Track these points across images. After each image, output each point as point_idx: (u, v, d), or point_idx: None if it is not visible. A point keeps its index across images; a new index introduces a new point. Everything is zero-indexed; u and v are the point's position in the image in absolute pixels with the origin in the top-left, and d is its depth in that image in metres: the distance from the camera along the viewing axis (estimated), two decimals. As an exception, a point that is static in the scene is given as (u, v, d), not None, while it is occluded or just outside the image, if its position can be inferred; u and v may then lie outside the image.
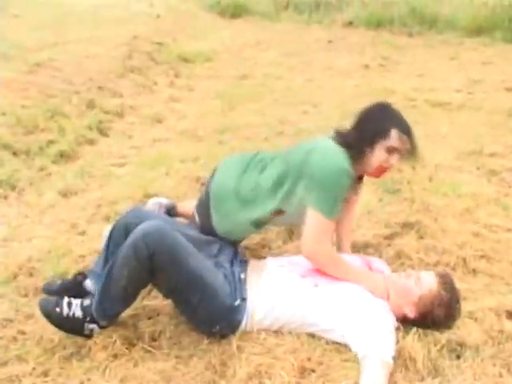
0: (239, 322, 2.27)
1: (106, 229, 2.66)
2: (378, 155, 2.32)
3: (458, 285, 2.51)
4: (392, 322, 2.20)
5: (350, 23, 10.82)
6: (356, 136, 2.35)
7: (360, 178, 2.54)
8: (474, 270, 2.71)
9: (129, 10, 10.60)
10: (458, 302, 2.27)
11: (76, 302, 2.25)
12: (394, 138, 2.30)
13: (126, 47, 7.66)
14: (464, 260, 2.76)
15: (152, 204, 3.13)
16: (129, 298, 2.25)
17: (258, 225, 2.54)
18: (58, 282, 2.49)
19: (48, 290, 2.46)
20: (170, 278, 2.17)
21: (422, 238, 3.03)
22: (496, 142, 4.47)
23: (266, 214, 2.46)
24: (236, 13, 11.92)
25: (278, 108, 5.83)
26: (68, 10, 10.40)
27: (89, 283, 2.45)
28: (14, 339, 2.26)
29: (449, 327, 2.26)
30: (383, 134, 2.30)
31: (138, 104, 5.90)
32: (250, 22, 11.57)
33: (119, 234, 2.43)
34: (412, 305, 2.25)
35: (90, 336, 2.23)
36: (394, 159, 2.35)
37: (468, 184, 3.67)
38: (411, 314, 2.25)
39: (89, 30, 8.59)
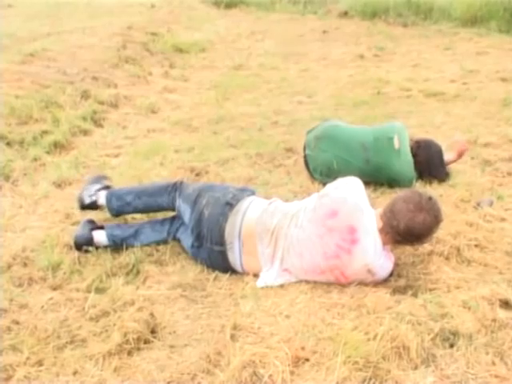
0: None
1: None
2: None
3: (452, 274, 2.53)
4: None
5: (345, 13, 10.82)
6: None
7: None
8: (467, 260, 2.71)
9: (123, 1, 10.54)
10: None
11: None
12: None
13: (121, 37, 7.64)
14: (458, 249, 2.76)
15: None
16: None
17: None
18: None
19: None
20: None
21: (415, 227, 3.02)
22: (490, 132, 4.47)
23: None
24: (231, 3, 11.90)
25: (273, 98, 5.83)
26: (62, 0, 10.34)
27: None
28: (8, 329, 2.26)
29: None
30: None
31: (133, 94, 5.88)
32: (245, 12, 11.54)
33: None
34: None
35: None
36: None
37: (462, 174, 3.68)
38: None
39: (83, 21, 8.56)
